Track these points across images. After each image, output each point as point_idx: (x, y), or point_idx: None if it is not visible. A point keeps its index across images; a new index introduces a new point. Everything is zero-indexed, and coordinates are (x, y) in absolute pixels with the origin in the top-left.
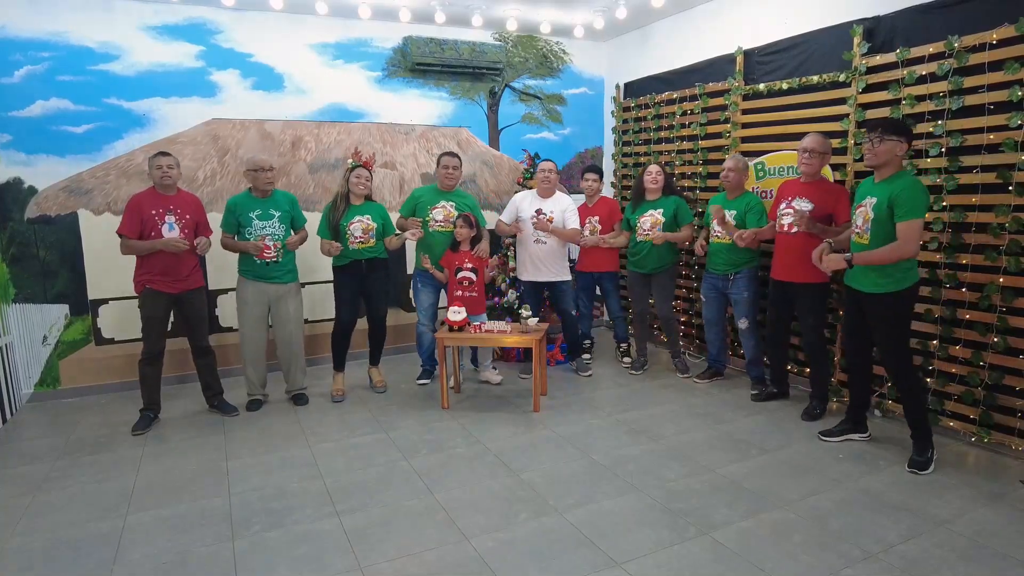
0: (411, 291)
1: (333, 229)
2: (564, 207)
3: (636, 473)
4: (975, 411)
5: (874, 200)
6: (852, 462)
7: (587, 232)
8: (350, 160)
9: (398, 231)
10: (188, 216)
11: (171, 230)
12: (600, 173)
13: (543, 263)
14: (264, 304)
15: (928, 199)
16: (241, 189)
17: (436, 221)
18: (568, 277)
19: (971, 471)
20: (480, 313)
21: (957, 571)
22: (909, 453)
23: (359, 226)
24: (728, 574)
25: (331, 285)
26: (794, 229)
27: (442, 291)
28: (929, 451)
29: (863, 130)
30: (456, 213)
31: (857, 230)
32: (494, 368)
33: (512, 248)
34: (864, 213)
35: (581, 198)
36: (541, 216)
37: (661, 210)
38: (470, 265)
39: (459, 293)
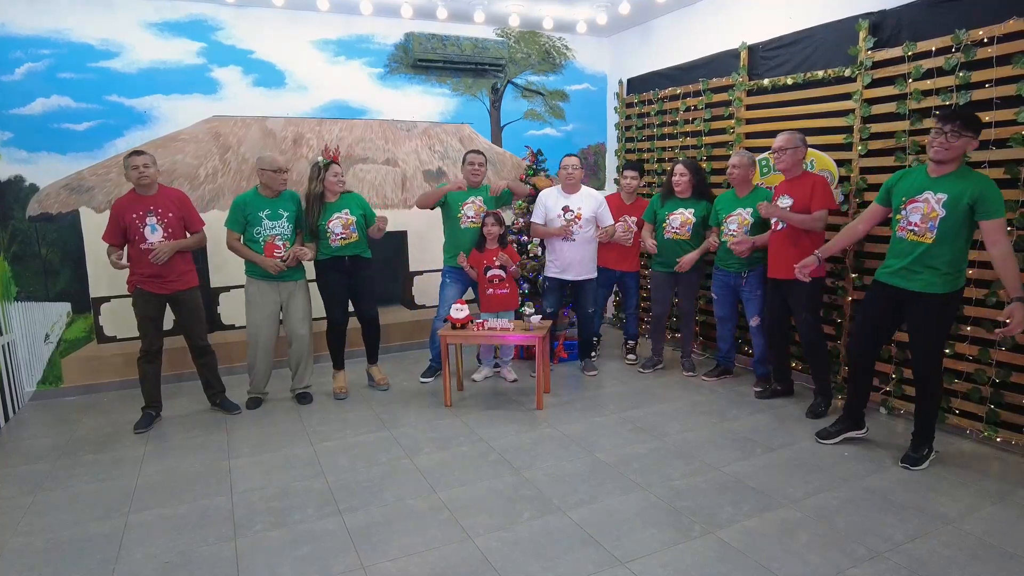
0: (439, 285)
1: (312, 232)
2: (595, 205)
3: (640, 471)
4: (982, 408)
5: (943, 197)
6: (858, 460)
7: (620, 230)
8: (320, 158)
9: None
10: (171, 214)
11: (153, 232)
12: (640, 171)
13: (572, 262)
14: (275, 303)
15: None
16: (242, 186)
17: (467, 217)
18: (594, 275)
19: (978, 469)
20: (511, 309)
21: (965, 570)
22: None
23: (338, 222)
24: (733, 573)
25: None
26: (779, 226)
27: (470, 288)
28: (926, 449)
29: (869, 126)
30: (486, 209)
31: (913, 228)
32: (510, 367)
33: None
34: (925, 210)
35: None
36: (568, 214)
37: (692, 210)
38: (499, 263)
39: (490, 291)
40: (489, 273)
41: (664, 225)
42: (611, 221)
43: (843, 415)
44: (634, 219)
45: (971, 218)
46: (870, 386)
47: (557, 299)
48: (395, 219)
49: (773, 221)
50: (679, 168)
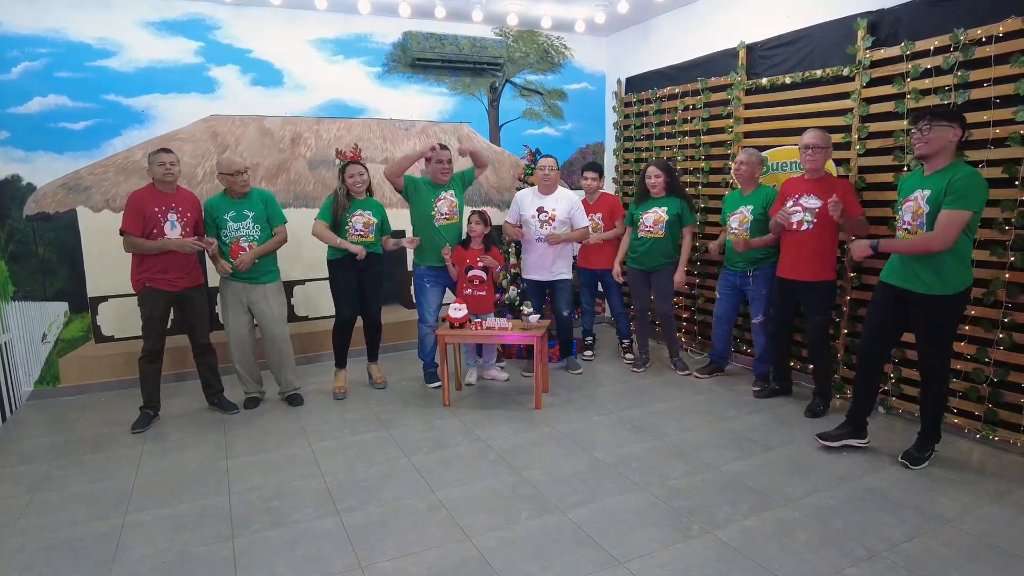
0: (412, 289)
1: (335, 222)
2: (569, 205)
3: (638, 471)
4: (980, 408)
5: (928, 192)
6: (856, 460)
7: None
8: (337, 161)
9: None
10: (189, 214)
11: (173, 228)
12: (599, 171)
13: (546, 263)
14: (242, 303)
15: (986, 194)
16: None
17: (442, 214)
18: (568, 276)
19: (976, 468)
20: (487, 312)
21: (963, 570)
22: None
23: (360, 220)
24: (731, 573)
25: (327, 283)
26: (804, 226)
27: (447, 289)
28: (929, 451)
29: (867, 125)
30: (458, 202)
31: (906, 226)
32: (500, 366)
33: (512, 244)
34: (914, 207)
35: (582, 193)
36: (543, 215)
37: (666, 208)
38: (483, 264)
39: (468, 291)
40: (470, 273)
41: (638, 224)
42: (585, 223)
43: (846, 420)
44: (599, 215)
45: None
46: (877, 390)
47: (537, 301)
48: (393, 219)
49: (796, 221)
50: (652, 171)
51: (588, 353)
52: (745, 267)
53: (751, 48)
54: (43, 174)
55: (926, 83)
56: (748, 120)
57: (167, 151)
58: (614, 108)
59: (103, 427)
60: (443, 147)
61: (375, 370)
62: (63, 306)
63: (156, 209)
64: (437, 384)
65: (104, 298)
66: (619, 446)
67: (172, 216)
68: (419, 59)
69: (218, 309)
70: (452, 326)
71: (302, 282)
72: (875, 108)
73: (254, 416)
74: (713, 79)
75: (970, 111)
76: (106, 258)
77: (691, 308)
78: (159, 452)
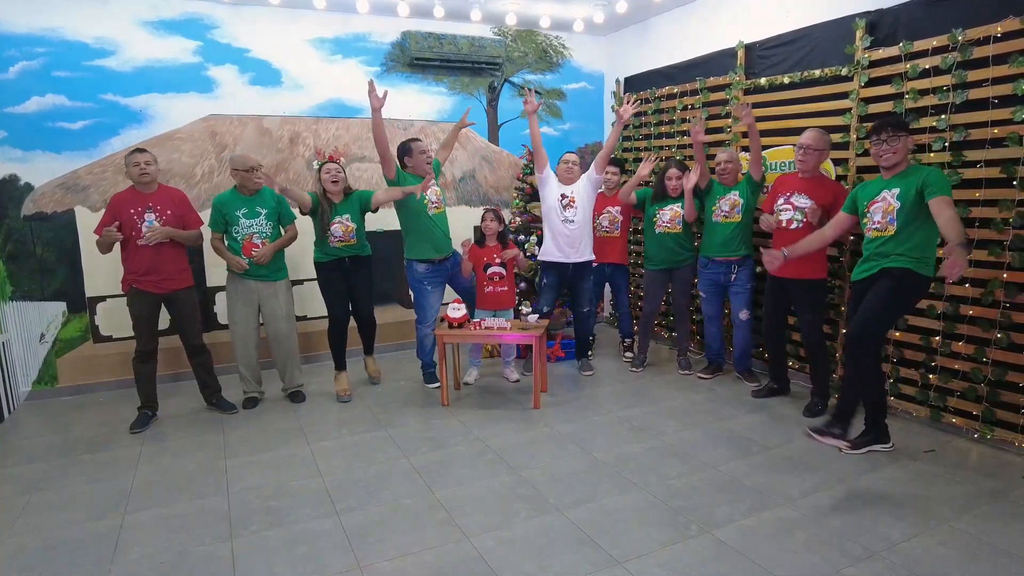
0: (411, 292)
1: (323, 229)
2: (586, 183)
3: (637, 471)
4: (978, 407)
5: (896, 191)
6: (854, 459)
7: (606, 223)
8: (315, 161)
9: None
10: (169, 212)
11: (150, 227)
12: (620, 166)
13: (571, 244)
14: (253, 302)
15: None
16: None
17: (432, 203)
18: (592, 258)
19: (974, 468)
20: (509, 307)
21: (961, 569)
22: (911, 449)
23: (339, 227)
24: (730, 572)
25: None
26: (793, 225)
27: (447, 288)
28: (868, 437)
29: (866, 125)
30: (440, 190)
31: (876, 225)
32: (512, 367)
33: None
34: (884, 207)
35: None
36: (564, 200)
37: (679, 204)
38: (499, 260)
39: (489, 289)
40: (490, 271)
41: (655, 220)
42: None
43: (865, 427)
44: (617, 209)
45: (924, 204)
46: (883, 394)
47: (554, 285)
48: (392, 218)
49: (787, 219)
50: (674, 172)
51: (588, 353)
52: (731, 254)
53: (750, 48)
54: (41, 174)
55: (924, 83)
56: None
57: (141, 151)
58: (613, 108)
59: (101, 427)
60: (418, 139)
61: (370, 363)
62: (61, 306)
63: (132, 211)
64: (436, 384)
65: (102, 298)
66: (618, 446)
67: (149, 216)
68: (418, 59)
69: (216, 308)
70: (451, 326)
71: (300, 282)
72: (873, 108)
73: (253, 416)
74: (712, 79)
75: (968, 111)
76: (104, 258)
77: (690, 308)
78: (157, 452)
